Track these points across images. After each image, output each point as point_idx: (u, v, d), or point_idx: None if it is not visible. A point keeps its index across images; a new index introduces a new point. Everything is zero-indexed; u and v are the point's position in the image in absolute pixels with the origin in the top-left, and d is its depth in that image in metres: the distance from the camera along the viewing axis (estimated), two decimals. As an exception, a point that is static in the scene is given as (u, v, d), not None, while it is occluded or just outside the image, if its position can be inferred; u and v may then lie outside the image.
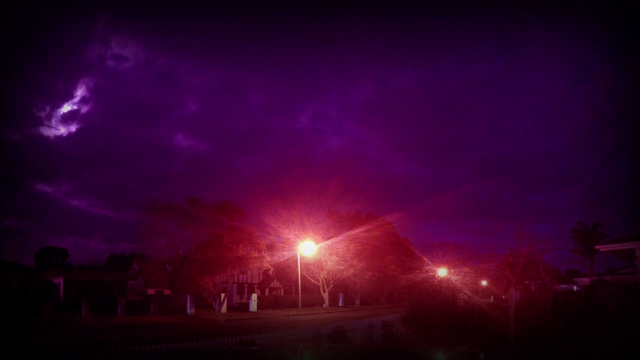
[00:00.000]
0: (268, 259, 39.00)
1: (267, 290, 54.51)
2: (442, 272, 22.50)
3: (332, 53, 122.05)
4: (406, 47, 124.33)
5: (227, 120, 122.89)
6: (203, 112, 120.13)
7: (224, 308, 37.59)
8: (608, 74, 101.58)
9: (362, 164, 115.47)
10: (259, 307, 40.69)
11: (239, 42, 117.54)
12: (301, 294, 42.84)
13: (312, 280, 48.75)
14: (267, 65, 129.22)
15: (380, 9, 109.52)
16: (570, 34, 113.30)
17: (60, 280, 37.23)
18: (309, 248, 42.32)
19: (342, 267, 46.10)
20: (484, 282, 24.11)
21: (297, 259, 42.43)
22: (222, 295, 37.97)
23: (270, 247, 42.09)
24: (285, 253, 43.58)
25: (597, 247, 22.51)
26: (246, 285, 52.09)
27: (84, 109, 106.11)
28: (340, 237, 44.20)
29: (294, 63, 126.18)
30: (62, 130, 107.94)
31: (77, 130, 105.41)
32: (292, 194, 44.29)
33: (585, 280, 42.49)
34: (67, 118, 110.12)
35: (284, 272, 49.99)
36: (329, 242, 43.90)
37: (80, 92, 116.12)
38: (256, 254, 37.42)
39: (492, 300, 24.27)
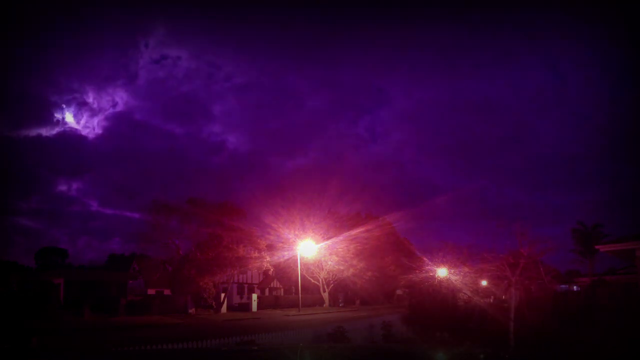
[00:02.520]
0: (268, 259, 39.01)
1: (267, 290, 54.48)
2: (442, 272, 22.45)
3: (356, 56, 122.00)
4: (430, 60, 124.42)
5: (244, 121, 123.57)
6: (220, 113, 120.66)
7: (224, 308, 37.58)
8: (621, 80, 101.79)
9: (363, 165, 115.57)
10: (259, 307, 40.66)
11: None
12: (301, 294, 42.83)
13: (312, 280, 48.73)
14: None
15: (407, 18, 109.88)
16: (596, 45, 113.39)
17: (60, 281, 37.17)
18: (309, 248, 42.29)
19: (342, 267, 46.07)
20: (484, 282, 24.08)
21: (297, 259, 42.42)
22: (222, 295, 37.96)
23: (270, 247, 42.05)
24: (285, 253, 43.54)
25: (597, 247, 22.48)
26: (246, 285, 52.05)
27: (107, 111, 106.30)
28: (341, 237, 44.16)
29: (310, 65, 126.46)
30: (85, 131, 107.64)
31: (102, 130, 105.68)
32: (293, 194, 44.40)
33: (585, 280, 42.36)
34: (86, 120, 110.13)
35: (284, 272, 49.97)
36: (329, 242, 43.86)
37: (107, 93, 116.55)
38: (256, 254, 37.43)
39: (492, 300, 24.25)
